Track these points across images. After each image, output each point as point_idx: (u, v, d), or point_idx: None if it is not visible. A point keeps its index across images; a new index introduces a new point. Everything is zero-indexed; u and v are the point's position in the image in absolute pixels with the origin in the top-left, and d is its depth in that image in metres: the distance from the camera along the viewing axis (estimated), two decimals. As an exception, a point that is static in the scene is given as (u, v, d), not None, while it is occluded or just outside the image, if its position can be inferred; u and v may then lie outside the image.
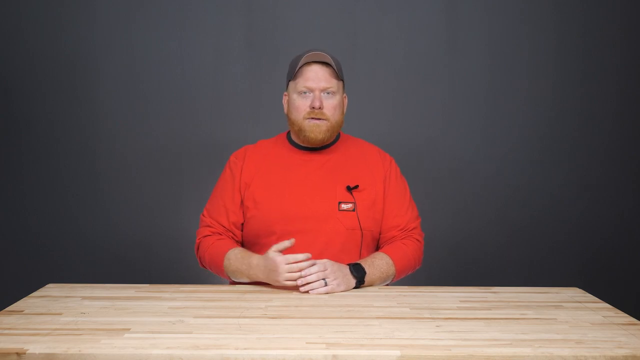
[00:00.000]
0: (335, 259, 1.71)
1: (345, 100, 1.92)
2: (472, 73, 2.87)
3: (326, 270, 1.62)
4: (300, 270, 1.61)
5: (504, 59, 2.87)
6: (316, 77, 1.80)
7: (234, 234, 1.85)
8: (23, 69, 2.84)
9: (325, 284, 1.61)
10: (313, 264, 1.62)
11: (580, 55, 2.87)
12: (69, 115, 2.85)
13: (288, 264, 1.60)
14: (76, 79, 2.85)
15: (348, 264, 1.69)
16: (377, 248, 1.89)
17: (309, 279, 1.60)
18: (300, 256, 1.61)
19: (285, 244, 1.64)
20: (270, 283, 1.66)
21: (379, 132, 2.74)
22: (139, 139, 2.87)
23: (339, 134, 1.95)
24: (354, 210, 1.79)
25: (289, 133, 1.95)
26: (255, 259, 1.70)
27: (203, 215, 1.89)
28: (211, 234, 1.83)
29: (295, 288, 1.63)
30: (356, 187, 1.81)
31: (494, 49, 2.87)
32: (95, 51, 2.84)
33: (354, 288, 1.67)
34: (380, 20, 2.86)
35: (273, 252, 1.63)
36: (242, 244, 1.87)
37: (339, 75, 1.84)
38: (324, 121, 1.81)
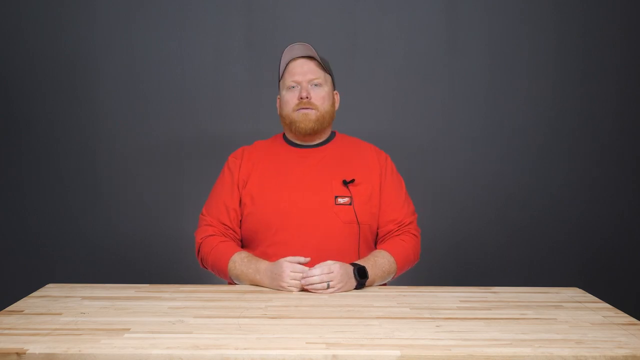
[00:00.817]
0: (334, 253, 1.71)
1: (337, 97, 1.96)
2: (472, 73, 2.87)
3: (332, 273, 1.62)
4: (302, 278, 1.63)
5: (504, 59, 2.87)
6: (301, 70, 1.85)
7: (234, 232, 1.85)
8: (23, 69, 2.84)
9: (328, 287, 1.61)
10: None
11: (580, 55, 2.87)
12: (69, 115, 2.85)
13: (293, 271, 1.63)
14: (76, 79, 2.85)
15: (353, 265, 1.69)
16: (375, 243, 1.89)
17: (310, 280, 1.61)
18: (302, 260, 1.66)
19: (300, 259, 1.67)
20: (273, 288, 1.67)
21: (379, 132, 2.74)
22: (139, 139, 2.87)
23: (335, 133, 1.97)
24: (350, 204, 1.79)
25: (284, 134, 1.97)
26: (263, 264, 1.70)
27: (202, 215, 1.89)
28: (213, 234, 1.82)
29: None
30: (352, 181, 1.82)
31: (494, 49, 2.87)
32: (95, 51, 2.84)
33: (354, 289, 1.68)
34: (380, 20, 2.86)
35: (285, 260, 1.66)
36: (242, 242, 1.88)
37: (325, 68, 1.88)
38: (313, 110, 1.84)
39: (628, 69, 2.87)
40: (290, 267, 1.64)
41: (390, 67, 2.87)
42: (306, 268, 1.64)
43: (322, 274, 1.61)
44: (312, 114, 1.84)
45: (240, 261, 1.74)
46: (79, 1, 2.82)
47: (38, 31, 2.82)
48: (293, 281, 1.63)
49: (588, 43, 2.86)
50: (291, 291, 1.64)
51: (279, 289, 1.65)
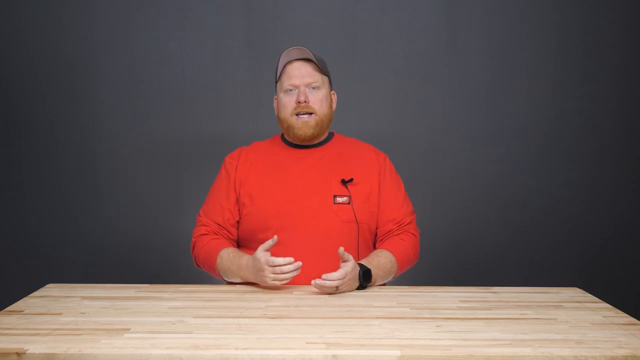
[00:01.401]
0: (333, 252, 1.69)
1: (334, 97, 1.96)
2: (472, 73, 2.87)
3: (345, 278, 1.60)
4: (282, 273, 1.59)
5: (504, 59, 2.87)
6: (299, 73, 1.85)
7: (229, 232, 1.85)
8: (23, 69, 2.84)
9: (336, 288, 1.61)
10: (297, 267, 1.60)
11: (580, 55, 2.87)
12: (69, 115, 2.85)
13: (271, 266, 1.60)
14: (76, 79, 2.85)
15: (359, 266, 1.67)
16: (374, 243, 1.89)
17: (327, 284, 1.58)
18: (279, 260, 1.60)
19: (269, 242, 1.64)
20: (260, 283, 1.66)
21: (379, 132, 2.74)
22: (139, 139, 2.87)
23: (333, 133, 1.98)
24: (349, 203, 1.80)
25: (282, 134, 1.98)
26: (244, 259, 1.70)
27: (199, 216, 1.90)
28: (207, 232, 1.84)
29: (294, 287, 1.65)
30: (351, 180, 1.82)
31: (494, 49, 2.87)
32: (95, 51, 2.84)
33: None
34: (380, 20, 2.86)
35: (260, 252, 1.63)
36: (238, 242, 1.88)
37: (322, 70, 1.87)
38: (312, 115, 1.84)
39: (628, 69, 2.87)
40: (268, 262, 1.60)
41: (390, 67, 2.87)
42: (281, 260, 1.59)
43: (338, 279, 1.59)
44: (311, 120, 1.84)
45: (226, 257, 1.74)
46: (79, 1, 2.82)
47: (38, 31, 2.82)
48: (274, 275, 1.60)
49: (588, 43, 2.86)
50: (277, 285, 1.63)
51: (264, 283, 1.64)
